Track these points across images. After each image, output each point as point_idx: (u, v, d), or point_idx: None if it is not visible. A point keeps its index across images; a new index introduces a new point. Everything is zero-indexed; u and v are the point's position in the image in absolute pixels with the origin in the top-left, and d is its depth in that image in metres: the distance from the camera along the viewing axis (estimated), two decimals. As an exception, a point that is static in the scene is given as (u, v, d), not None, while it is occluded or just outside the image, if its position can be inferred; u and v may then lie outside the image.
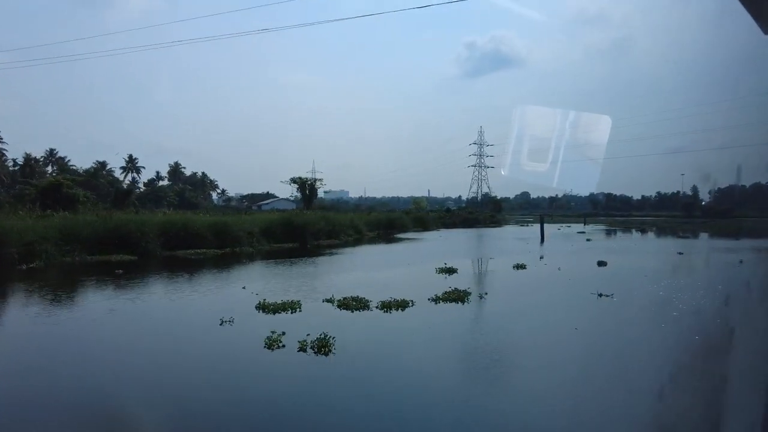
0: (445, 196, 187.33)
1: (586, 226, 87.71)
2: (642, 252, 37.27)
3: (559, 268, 25.41)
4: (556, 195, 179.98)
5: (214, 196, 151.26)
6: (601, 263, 27.10)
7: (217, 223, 36.66)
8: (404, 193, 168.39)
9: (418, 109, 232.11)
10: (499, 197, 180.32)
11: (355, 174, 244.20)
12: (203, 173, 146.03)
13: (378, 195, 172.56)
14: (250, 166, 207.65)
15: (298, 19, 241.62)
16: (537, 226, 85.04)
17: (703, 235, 60.96)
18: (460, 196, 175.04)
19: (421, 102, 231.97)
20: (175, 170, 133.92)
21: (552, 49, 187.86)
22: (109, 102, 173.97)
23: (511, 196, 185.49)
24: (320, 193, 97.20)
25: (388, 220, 66.40)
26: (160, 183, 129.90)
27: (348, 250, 37.76)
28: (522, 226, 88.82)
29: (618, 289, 18.17)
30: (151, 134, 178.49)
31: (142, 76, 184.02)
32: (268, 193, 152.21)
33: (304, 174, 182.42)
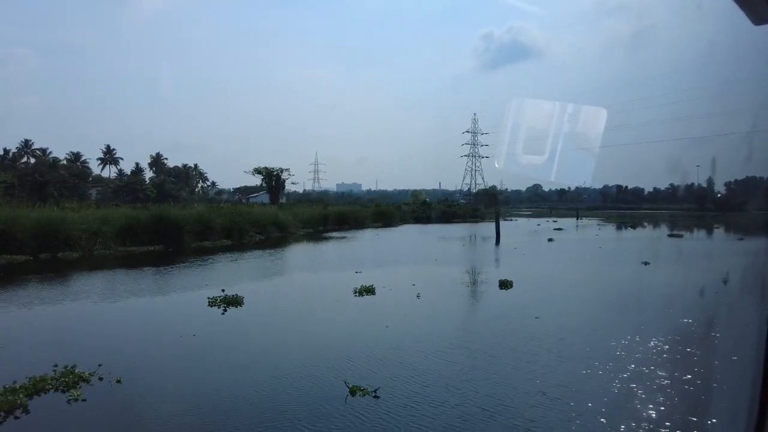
0: (457, 188, 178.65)
1: (579, 220, 78.11)
2: (597, 260, 27.56)
3: (418, 295, 16.25)
4: (568, 187, 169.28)
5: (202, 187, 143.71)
6: (503, 284, 17.93)
7: (41, 220, 28.12)
8: (416, 185, 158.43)
9: (434, 103, 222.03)
10: (508, 189, 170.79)
11: (371, 168, 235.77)
12: (186, 165, 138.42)
13: (390, 188, 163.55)
14: (263, 161, 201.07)
15: (311, 15, 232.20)
16: (524, 221, 77.70)
17: (701, 233, 50.66)
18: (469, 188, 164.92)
19: (438, 95, 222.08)
20: (157, 162, 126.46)
21: (571, 41, 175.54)
22: (125, 98, 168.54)
23: (523, 188, 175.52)
24: (288, 185, 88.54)
25: (337, 215, 57.35)
26: (145, 175, 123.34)
27: (219, 257, 28.85)
28: (506, 220, 78.96)
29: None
30: (169, 130, 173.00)
31: (155, 72, 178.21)
32: (262, 185, 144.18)
33: (308, 166, 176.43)
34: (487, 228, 59.36)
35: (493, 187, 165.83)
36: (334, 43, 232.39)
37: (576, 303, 15.96)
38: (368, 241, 40.67)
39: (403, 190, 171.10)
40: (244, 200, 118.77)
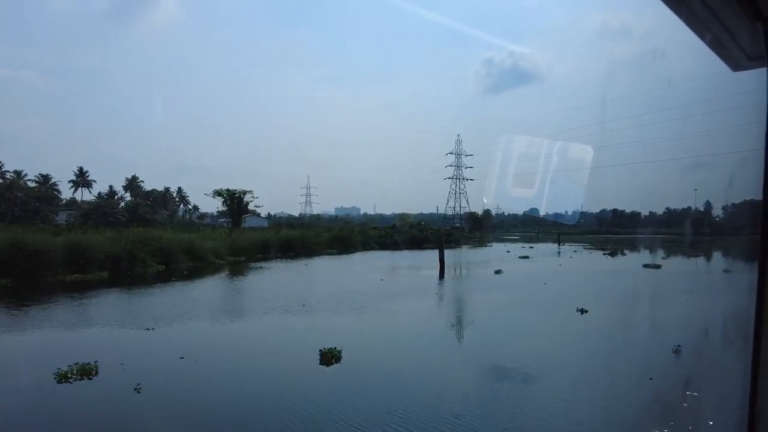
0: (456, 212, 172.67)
1: (560, 246, 71.71)
2: (524, 305, 21.10)
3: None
4: (565, 211, 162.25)
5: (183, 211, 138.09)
6: (326, 357, 11.59)
7: None
8: (415, 210, 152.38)
9: (435, 127, 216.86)
10: (505, 213, 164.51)
11: (372, 192, 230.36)
12: (168, 188, 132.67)
13: (388, 212, 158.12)
14: (261, 183, 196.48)
15: (313, 40, 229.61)
16: (502, 246, 71.02)
17: (685, 262, 44.12)
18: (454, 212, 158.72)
19: (440, 119, 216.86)
20: (131, 184, 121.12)
21: (574, 64, 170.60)
22: (129, 118, 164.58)
23: (520, 212, 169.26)
24: (252, 207, 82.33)
25: (284, 241, 51.22)
26: (121, 198, 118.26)
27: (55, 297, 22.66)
28: (485, 246, 72.75)
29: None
30: (173, 151, 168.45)
31: (158, 93, 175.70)
32: (247, 207, 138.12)
33: (300, 189, 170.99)
34: (452, 256, 52.96)
35: (488, 211, 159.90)
36: (338, 66, 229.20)
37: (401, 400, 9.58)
38: (283, 273, 34.25)
39: (402, 214, 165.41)
40: (219, 223, 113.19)
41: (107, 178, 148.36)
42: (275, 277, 31.56)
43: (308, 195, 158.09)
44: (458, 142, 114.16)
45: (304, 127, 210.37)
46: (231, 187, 77.38)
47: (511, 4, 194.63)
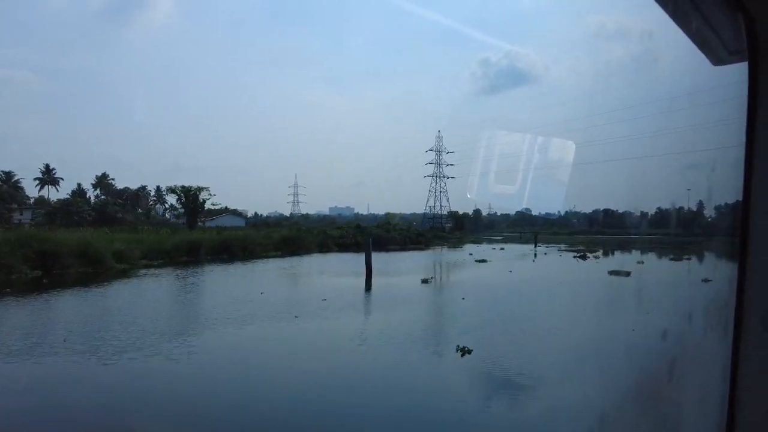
0: (436, 212, 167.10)
1: (536, 247, 66.21)
2: (400, 343, 15.30)
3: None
4: (558, 212, 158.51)
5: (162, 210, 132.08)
6: None
7: None
8: (407, 209, 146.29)
9: (431, 127, 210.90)
10: (497, 213, 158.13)
11: (367, 192, 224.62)
12: (145, 186, 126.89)
13: (382, 212, 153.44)
14: (260, 184, 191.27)
15: (310, 39, 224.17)
16: (474, 248, 65.11)
17: (664, 265, 38.33)
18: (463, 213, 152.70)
19: (435, 120, 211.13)
20: (101, 183, 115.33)
21: (570, 66, 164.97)
22: (125, 118, 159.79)
23: (512, 212, 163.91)
24: (209, 205, 76.58)
25: (220, 243, 45.53)
26: (93, 197, 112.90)
27: None
28: (454, 249, 67.14)
29: None
30: (169, 151, 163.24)
31: (154, 93, 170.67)
32: (226, 207, 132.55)
33: (287, 189, 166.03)
34: (402, 260, 47.17)
35: (477, 211, 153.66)
36: (333, 66, 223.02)
37: None
38: (147, 285, 28.05)
39: (387, 213, 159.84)
40: (200, 223, 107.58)
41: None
42: (115, 294, 24.99)
43: (296, 194, 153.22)
44: (439, 138, 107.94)
45: (299, 126, 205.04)
46: (196, 185, 71.70)
47: (507, 5, 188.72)
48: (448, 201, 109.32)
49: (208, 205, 76.08)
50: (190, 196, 71.79)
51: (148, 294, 23.97)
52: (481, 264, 39.09)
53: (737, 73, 1.79)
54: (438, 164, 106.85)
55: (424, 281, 26.44)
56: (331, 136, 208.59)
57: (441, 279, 27.85)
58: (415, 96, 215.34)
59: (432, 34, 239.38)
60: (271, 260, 43.80)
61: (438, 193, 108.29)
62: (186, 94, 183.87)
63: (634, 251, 61.40)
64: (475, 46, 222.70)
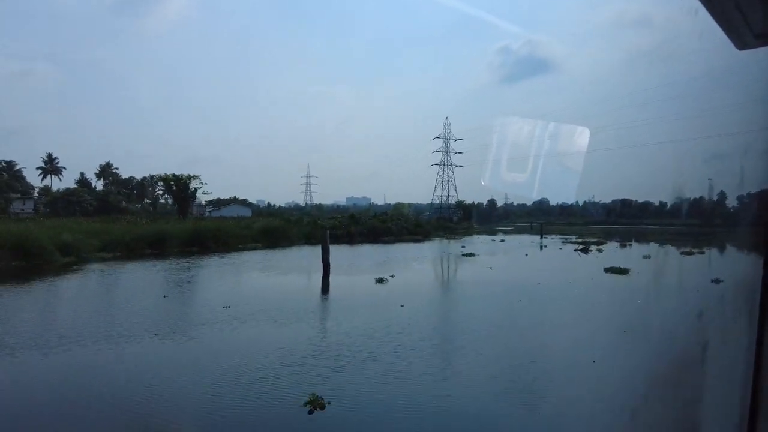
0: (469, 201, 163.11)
1: (542, 238, 61.70)
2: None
3: None
4: (576, 202, 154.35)
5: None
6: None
7: None
8: (422, 199, 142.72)
9: (450, 117, 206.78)
10: (514, 203, 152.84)
11: (383, 181, 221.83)
12: (152, 175, 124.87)
13: (395, 201, 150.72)
14: (278, 175, 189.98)
15: (322, 30, 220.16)
16: (475, 239, 60.35)
17: (674, 260, 33.62)
18: (477, 203, 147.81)
19: (453, 110, 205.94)
20: (104, 171, 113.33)
21: (591, 54, 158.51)
22: (143, 110, 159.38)
23: (529, 202, 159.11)
24: (200, 195, 73.48)
25: (191, 233, 42.11)
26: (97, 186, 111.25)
27: None
28: (454, 239, 62.94)
29: None
30: (187, 142, 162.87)
31: (170, 82, 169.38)
32: (235, 197, 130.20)
33: (298, 179, 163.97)
34: (393, 252, 43.17)
35: (492, 201, 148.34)
36: (346, 58, 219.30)
37: None
38: (81, 281, 24.56)
39: (397, 203, 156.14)
40: (207, 212, 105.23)
41: (128, 171, 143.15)
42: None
43: (308, 185, 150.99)
44: (446, 125, 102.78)
45: (315, 118, 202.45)
46: (187, 174, 68.68)
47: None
48: (456, 190, 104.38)
49: (199, 195, 72.94)
50: (180, 185, 68.67)
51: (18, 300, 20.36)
52: (466, 258, 34.89)
53: (763, 57, 1.83)
54: (445, 152, 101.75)
55: (380, 281, 22.38)
56: (347, 127, 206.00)
57: (402, 278, 23.76)
58: (429, 85, 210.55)
59: (449, 21, 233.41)
60: (246, 253, 40.23)
61: (446, 182, 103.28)
62: (202, 86, 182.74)
63: (648, 243, 56.71)
64: (494, 34, 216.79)
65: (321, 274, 24.99)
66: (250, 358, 10.69)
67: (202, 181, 69.74)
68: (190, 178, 68.86)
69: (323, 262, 26.09)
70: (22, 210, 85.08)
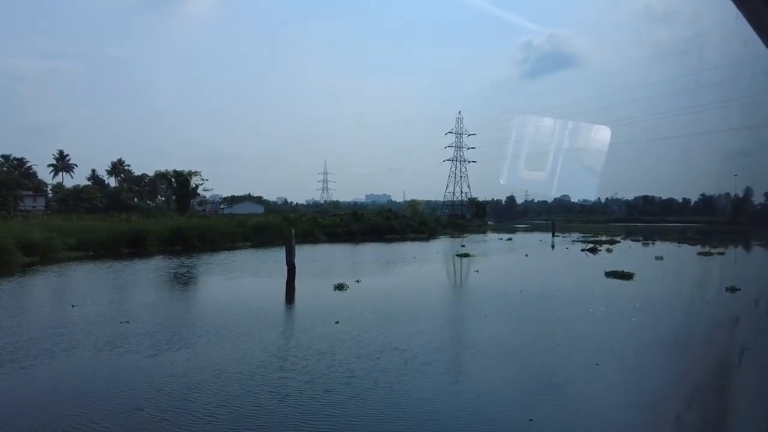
0: (488, 198, 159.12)
1: (554, 237, 58.37)
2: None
3: None
4: (598, 199, 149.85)
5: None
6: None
7: None
8: (440, 196, 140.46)
9: (470, 113, 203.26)
10: (535, 200, 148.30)
11: (404, 179, 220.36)
12: (166, 170, 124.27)
13: (418, 198, 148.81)
14: (298, 172, 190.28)
15: (342, 24, 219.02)
16: (480, 238, 56.83)
17: (687, 265, 30.31)
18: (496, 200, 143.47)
19: (474, 105, 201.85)
20: (116, 168, 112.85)
21: (616, 49, 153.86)
22: (162, 108, 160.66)
23: (549, 199, 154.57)
24: (201, 191, 71.74)
25: (172, 232, 40.04)
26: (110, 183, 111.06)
27: None
28: (459, 237, 59.97)
29: None
30: (207, 140, 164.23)
31: (193, 80, 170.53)
32: (249, 194, 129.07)
33: (317, 176, 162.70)
34: (385, 251, 40.44)
35: (511, 198, 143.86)
36: (366, 53, 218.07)
37: None
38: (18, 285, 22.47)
39: (430, 200, 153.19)
40: (220, 209, 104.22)
41: (145, 168, 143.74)
42: None
43: (325, 181, 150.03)
44: (459, 119, 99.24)
45: (337, 115, 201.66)
46: (188, 170, 67.03)
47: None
48: (469, 187, 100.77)
49: (200, 191, 71.23)
50: (181, 181, 66.99)
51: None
52: (458, 260, 31.97)
53: None
54: (458, 147, 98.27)
55: (339, 287, 19.64)
56: (367, 120, 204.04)
57: (367, 284, 21.01)
58: (451, 82, 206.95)
59: (472, 17, 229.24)
60: (235, 252, 38.04)
61: (458, 179, 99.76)
62: (224, 84, 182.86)
63: (667, 242, 52.76)
64: (517, 29, 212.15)
65: (285, 278, 22.47)
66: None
67: (203, 177, 68.07)
68: (191, 174, 67.17)
69: (287, 264, 23.54)
70: (34, 207, 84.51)
